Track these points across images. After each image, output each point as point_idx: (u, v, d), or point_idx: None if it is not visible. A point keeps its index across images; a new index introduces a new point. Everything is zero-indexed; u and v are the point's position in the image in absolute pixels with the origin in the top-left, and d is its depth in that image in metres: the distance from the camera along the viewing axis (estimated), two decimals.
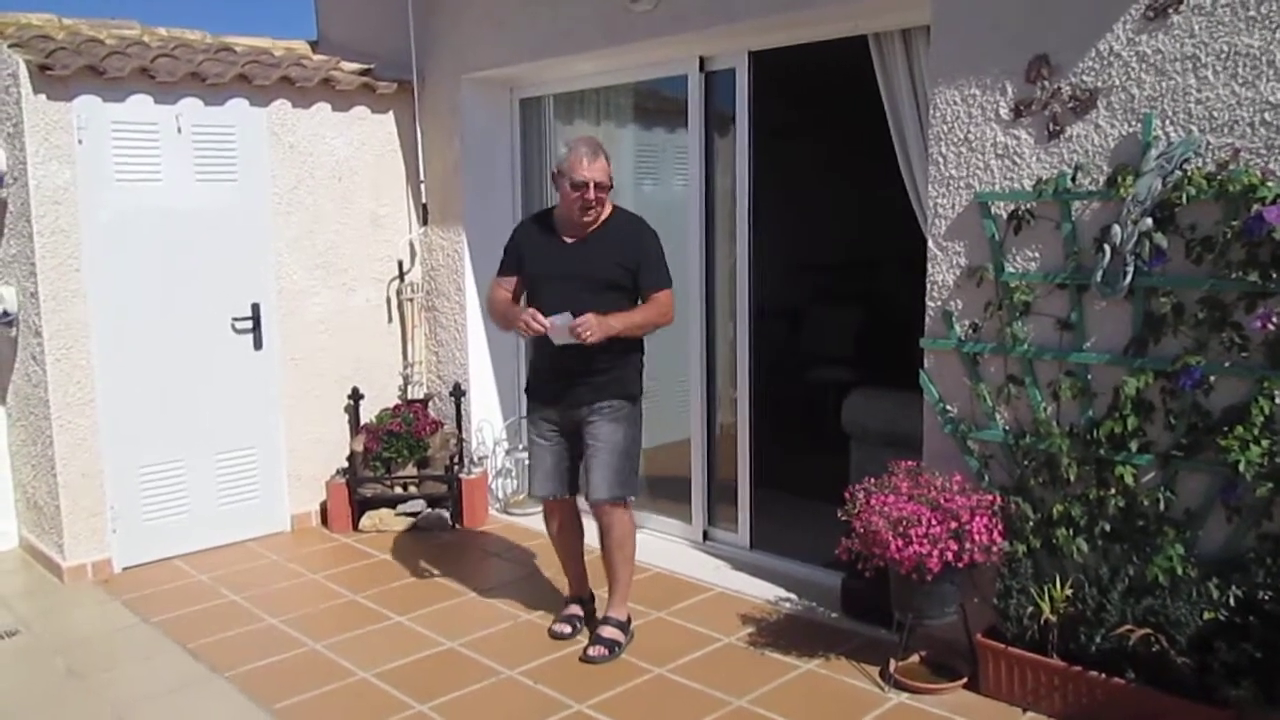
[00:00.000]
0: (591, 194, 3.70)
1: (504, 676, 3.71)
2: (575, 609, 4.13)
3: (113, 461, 4.84)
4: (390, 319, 5.81)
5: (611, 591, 3.98)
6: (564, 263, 3.81)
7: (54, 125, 4.56)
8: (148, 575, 4.83)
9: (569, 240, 3.83)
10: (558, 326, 3.61)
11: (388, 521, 5.41)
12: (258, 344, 5.25)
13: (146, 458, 4.96)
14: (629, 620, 3.98)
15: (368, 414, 5.58)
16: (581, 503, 4.02)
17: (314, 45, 6.00)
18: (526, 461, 5.65)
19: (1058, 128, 3.32)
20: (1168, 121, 3.09)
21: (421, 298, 5.84)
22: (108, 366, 4.80)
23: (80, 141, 4.63)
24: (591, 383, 3.78)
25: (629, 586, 4.00)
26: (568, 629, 4.03)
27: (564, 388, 3.81)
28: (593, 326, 3.57)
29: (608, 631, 3.88)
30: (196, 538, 5.12)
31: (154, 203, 4.85)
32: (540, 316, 3.68)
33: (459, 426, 5.65)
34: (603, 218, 3.83)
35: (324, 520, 5.52)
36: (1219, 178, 2.97)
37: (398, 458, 5.43)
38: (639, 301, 3.82)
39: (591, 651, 3.81)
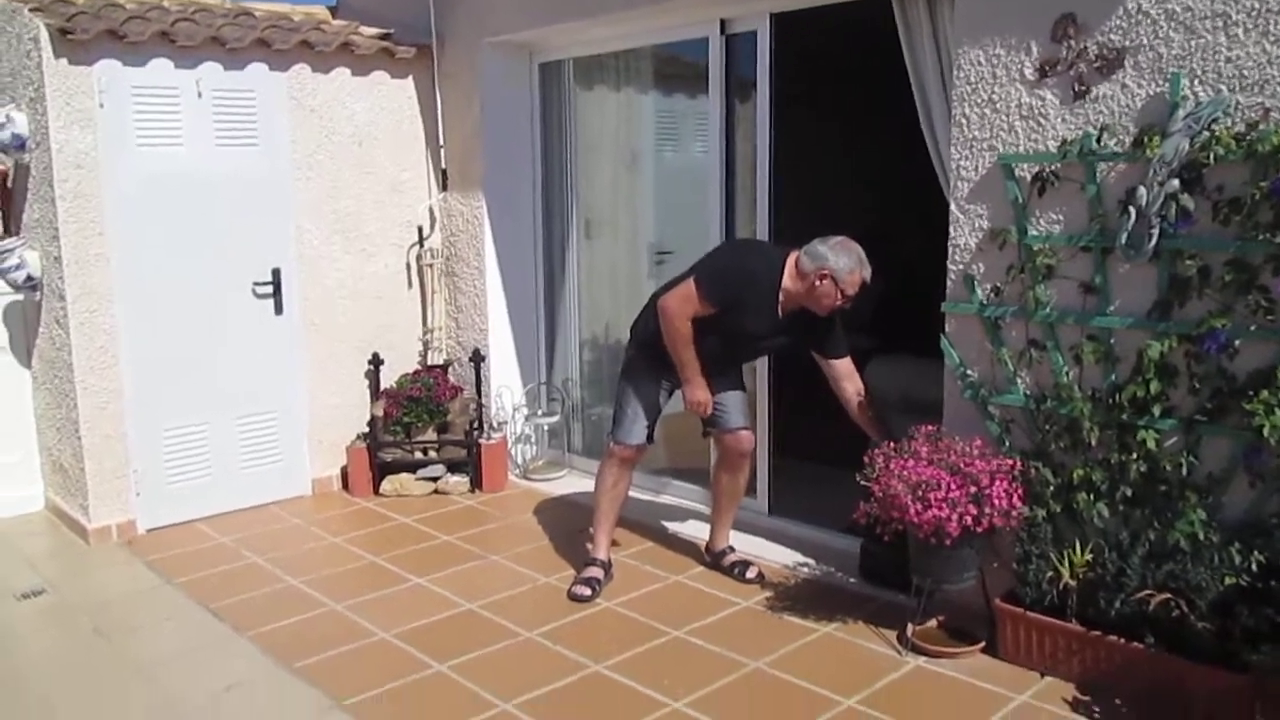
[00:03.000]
0: (850, 297, 3.80)
1: (523, 638, 3.73)
2: (596, 571, 4.15)
3: (136, 424, 4.89)
4: (410, 284, 5.82)
5: (727, 524, 4.37)
6: (770, 330, 3.97)
7: (75, 89, 4.57)
8: (171, 537, 4.88)
9: (782, 313, 3.90)
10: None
11: (408, 486, 5.45)
12: (279, 309, 5.27)
13: (169, 421, 5.00)
14: None
15: (388, 379, 5.60)
16: None
17: (333, 10, 5.99)
18: (549, 423, 5.74)
19: (1083, 88, 3.27)
20: (1196, 81, 3.04)
21: (441, 263, 5.84)
22: (130, 330, 4.83)
23: (101, 105, 4.64)
24: (735, 372, 4.28)
25: None
26: (587, 591, 4.05)
27: (710, 375, 4.01)
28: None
29: (743, 554, 4.32)
30: (219, 500, 5.17)
31: (175, 167, 4.87)
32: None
33: (479, 392, 5.67)
34: None
35: (345, 484, 5.56)
36: (1248, 138, 2.92)
37: (418, 423, 5.46)
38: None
39: (750, 575, 4.19)
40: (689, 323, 3.89)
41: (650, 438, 4.21)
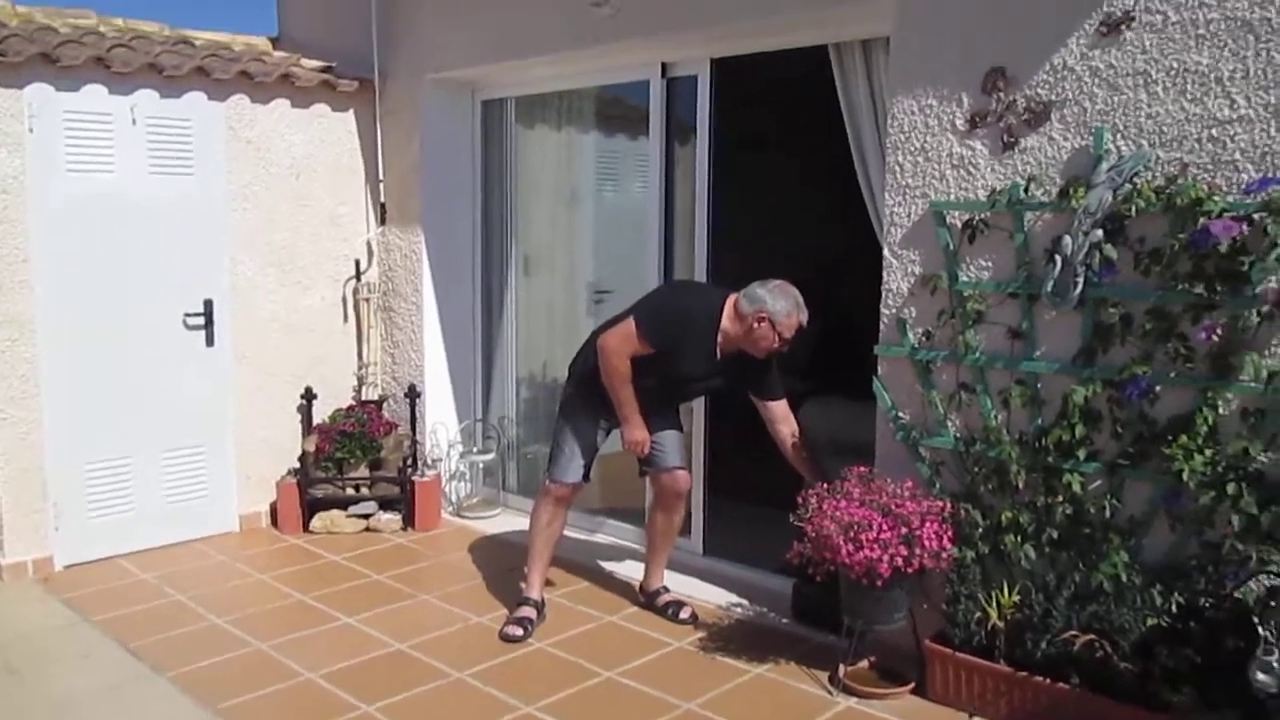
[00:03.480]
0: (788, 338, 3.82)
1: (453, 678, 3.67)
2: (528, 611, 4.11)
3: (57, 457, 4.75)
4: (346, 319, 5.76)
5: (662, 564, 4.37)
6: (707, 372, 3.99)
7: (4, 113, 4.47)
8: (90, 574, 4.73)
9: (720, 355, 3.92)
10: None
11: (339, 523, 5.35)
12: (209, 340, 5.18)
13: (92, 454, 4.87)
14: None
15: (320, 414, 5.52)
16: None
17: (275, 41, 5.95)
18: (484, 461, 5.69)
19: (1012, 139, 3.37)
20: (1119, 135, 3.15)
21: (378, 298, 5.80)
22: (54, 360, 4.70)
23: (31, 130, 4.55)
24: (672, 412, 4.30)
25: None
26: (519, 631, 4.00)
27: (647, 414, 4.05)
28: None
29: (677, 594, 4.31)
30: (142, 536, 5.03)
31: (106, 193, 4.78)
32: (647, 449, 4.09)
33: (413, 429, 5.61)
34: None
35: (274, 521, 5.45)
36: (1167, 191, 3.02)
37: (350, 458, 5.38)
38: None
39: (683, 615, 4.17)
40: (628, 361, 3.90)
41: (586, 476, 4.20)
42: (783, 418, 4.06)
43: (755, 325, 3.79)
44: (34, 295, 4.62)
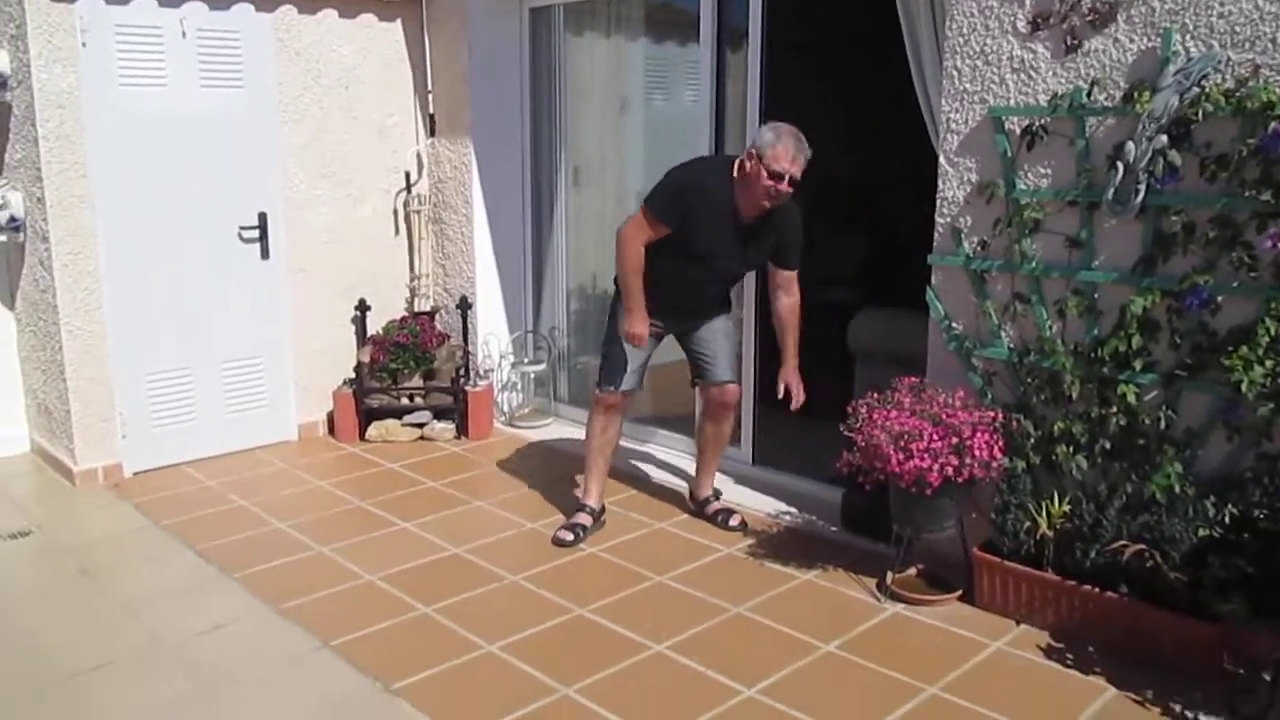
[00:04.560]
0: (785, 186, 3.68)
1: (508, 581, 3.78)
2: (583, 518, 4.18)
3: (121, 368, 4.88)
4: (397, 231, 5.80)
5: (711, 471, 4.40)
6: (735, 243, 3.89)
7: (57, 27, 4.50)
8: (157, 480, 4.90)
9: (745, 220, 3.83)
10: None
11: (394, 432, 5.46)
12: (264, 253, 5.25)
13: (154, 365, 4.99)
14: None
15: (374, 325, 5.60)
16: None
17: None
18: (535, 371, 5.75)
19: (1075, 41, 3.26)
20: (1188, 36, 3.04)
21: (429, 210, 5.82)
22: (115, 273, 4.80)
23: (84, 44, 4.57)
24: (713, 311, 4.19)
25: None
26: (570, 536, 4.09)
27: (686, 313, 4.12)
28: (799, 387, 4.08)
29: (727, 502, 4.37)
30: (205, 444, 5.18)
31: (159, 108, 4.81)
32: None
33: (465, 339, 5.68)
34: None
35: (331, 430, 5.58)
36: (1238, 94, 2.92)
37: (404, 369, 5.47)
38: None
39: (733, 522, 4.22)
40: (640, 249, 3.86)
41: (639, 384, 4.22)
42: (785, 284, 4.04)
43: (748, 165, 3.70)
44: (93, 210, 4.70)
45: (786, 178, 3.66)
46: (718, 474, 4.48)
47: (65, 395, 4.76)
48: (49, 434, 5.07)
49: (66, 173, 4.60)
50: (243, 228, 5.16)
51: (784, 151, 3.64)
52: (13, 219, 4.78)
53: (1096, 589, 3.19)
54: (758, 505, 4.46)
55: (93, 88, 4.62)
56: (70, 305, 4.69)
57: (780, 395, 4.06)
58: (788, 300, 4.05)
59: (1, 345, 5.22)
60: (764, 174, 3.65)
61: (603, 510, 4.27)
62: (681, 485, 4.69)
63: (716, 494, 4.42)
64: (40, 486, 4.90)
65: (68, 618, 3.57)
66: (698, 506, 4.39)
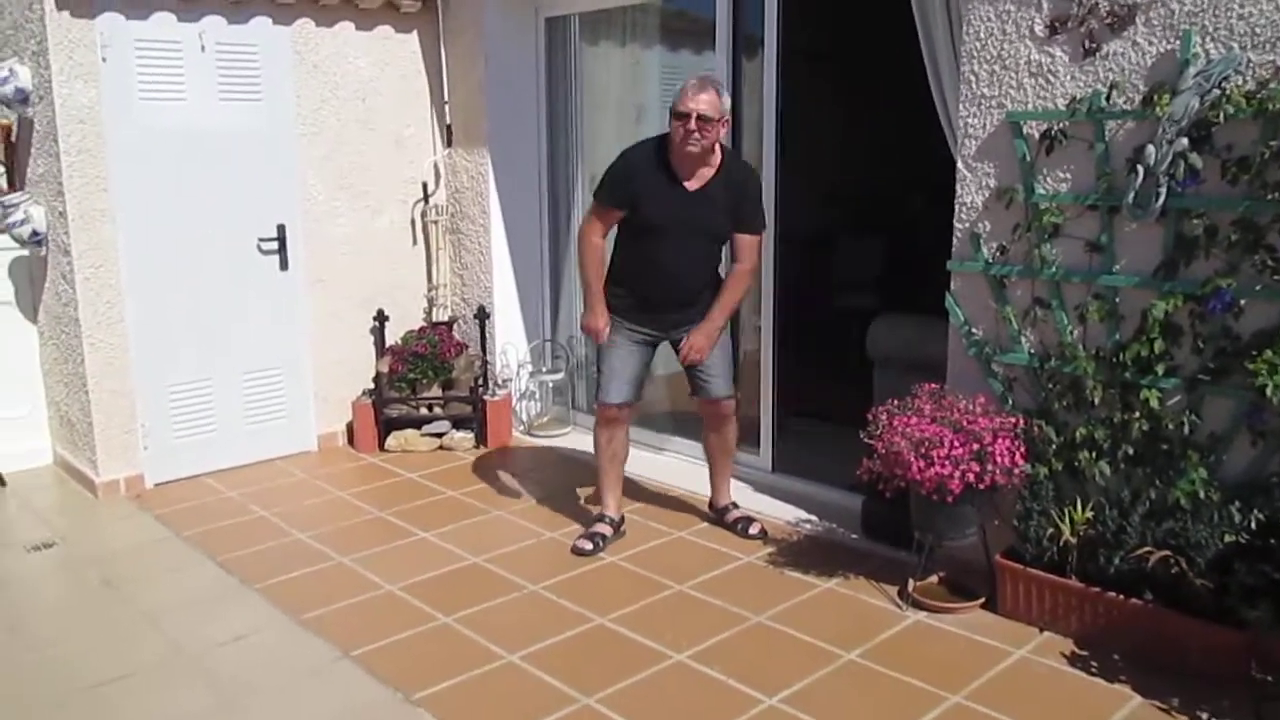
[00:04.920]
0: (693, 124, 3.69)
1: (528, 591, 3.77)
2: (603, 527, 4.17)
3: (142, 379, 4.91)
4: (415, 241, 5.82)
5: (725, 481, 4.37)
6: (686, 211, 3.86)
7: (78, 43, 4.54)
8: (178, 491, 4.93)
9: (690, 187, 3.84)
10: None
11: (413, 442, 5.48)
12: (283, 265, 5.28)
13: (175, 376, 5.02)
14: None
15: (393, 336, 5.62)
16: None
17: None
18: (553, 380, 5.75)
19: (1094, 45, 3.25)
20: (1208, 38, 3.02)
21: (446, 220, 5.84)
22: (136, 286, 4.84)
23: (104, 60, 4.61)
24: (688, 312, 4.04)
25: None
26: (589, 545, 4.09)
27: (668, 311, 4.03)
28: (703, 355, 4.03)
29: (746, 511, 4.32)
30: (225, 456, 5.21)
31: (178, 122, 4.85)
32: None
33: (483, 349, 5.69)
34: (717, 162, 3.84)
35: (350, 440, 5.60)
36: (1259, 96, 2.90)
37: (423, 379, 5.48)
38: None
39: (752, 530, 4.21)
40: (597, 241, 3.97)
41: (636, 395, 4.16)
42: (740, 250, 3.99)
43: (669, 126, 3.77)
44: (114, 223, 4.73)
45: (692, 116, 3.68)
46: (736, 481, 4.47)
47: (87, 407, 4.80)
48: (71, 446, 5.10)
49: (88, 187, 4.64)
50: (261, 240, 5.19)
51: (684, 93, 3.71)
52: (35, 233, 4.82)
53: (1121, 596, 3.17)
54: (777, 513, 4.44)
55: (113, 102, 4.66)
56: (92, 318, 4.73)
57: (679, 351, 4.07)
58: (738, 266, 4.01)
59: (24, 358, 5.26)
60: (673, 120, 3.73)
61: (622, 520, 4.26)
62: (700, 492, 4.68)
63: (735, 503, 4.40)
64: (63, 498, 4.93)
65: (90, 628, 3.59)
66: (717, 514, 4.38)
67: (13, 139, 5.04)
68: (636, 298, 4.02)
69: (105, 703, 3.10)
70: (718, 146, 3.85)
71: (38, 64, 4.61)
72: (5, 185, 5.14)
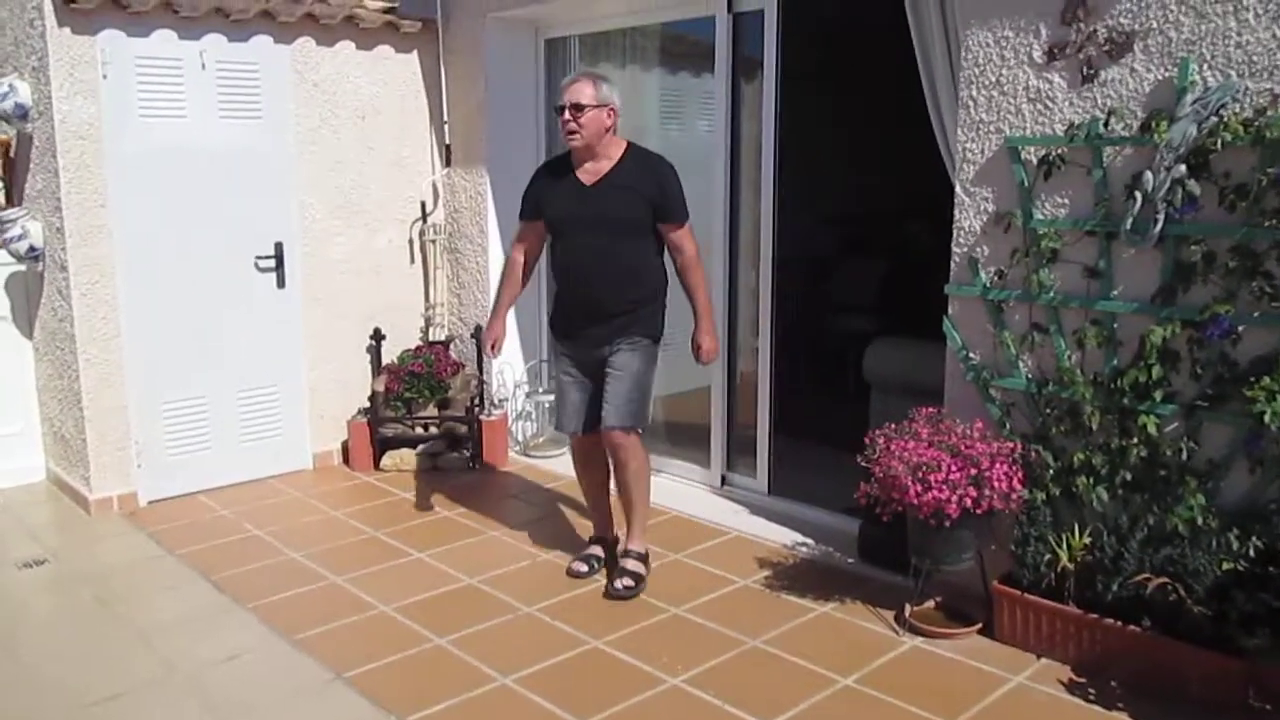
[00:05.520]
0: (567, 115, 3.72)
1: (522, 613, 3.75)
2: (596, 549, 4.16)
3: (137, 396, 4.89)
4: (412, 260, 5.82)
5: (630, 524, 4.02)
6: (584, 205, 3.82)
7: (78, 60, 4.55)
8: (172, 509, 4.90)
9: (587, 182, 3.82)
10: None
11: (408, 461, 5.46)
12: (280, 283, 5.27)
13: (170, 393, 5.00)
14: (648, 554, 4.03)
15: (389, 355, 5.61)
16: None
17: None
18: (549, 401, 5.74)
19: (1092, 71, 3.26)
20: (1205, 66, 3.03)
21: (444, 239, 5.84)
22: (132, 302, 4.83)
23: (105, 76, 4.62)
24: (615, 323, 3.84)
25: (646, 520, 4.06)
26: (584, 568, 4.06)
27: (587, 325, 3.88)
28: (714, 354, 3.97)
29: (631, 564, 3.94)
30: (220, 473, 5.18)
31: (178, 139, 4.85)
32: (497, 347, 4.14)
33: (480, 369, 5.68)
34: (617, 155, 3.82)
35: (345, 459, 5.58)
36: (1256, 124, 2.91)
37: (419, 398, 5.47)
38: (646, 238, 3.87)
39: (617, 584, 3.86)
40: (516, 257, 4.10)
41: (578, 426, 3.98)
42: (674, 243, 3.86)
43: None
44: (112, 240, 4.73)
45: (566, 107, 3.73)
46: (731, 503, 4.42)
47: (82, 424, 4.78)
48: (65, 463, 5.08)
49: (86, 203, 4.64)
50: (259, 257, 5.19)
51: (560, 90, 3.80)
52: (32, 248, 4.82)
53: (1119, 622, 3.15)
54: (773, 536, 4.43)
55: (113, 119, 4.66)
56: (88, 334, 4.72)
57: (696, 357, 3.99)
58: (681, 258, 3.86)
59: (19, 374, 5.25)
60: (557, 114, 3.80)
61: (616, 540, 4.22)
62: (696, 514, 4.67)
63: (632, 551, 3.99)
64: (56, 515, 4.90)
65: (83, 646, 3.56)
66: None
67: (11, 154, 5.05)
68: (562, 313, 4.00)
69: None
70: (618, 141, 3.84)
71: (38, 79, 4.61)
72: (3, 200, 5.13)
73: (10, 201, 5.10)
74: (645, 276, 3.87)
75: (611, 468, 4.02)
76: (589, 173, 3.83)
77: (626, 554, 3.99)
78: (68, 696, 3.21)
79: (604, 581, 3.99)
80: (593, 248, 3.82)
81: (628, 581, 3.87)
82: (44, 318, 5.04)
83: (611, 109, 3.79)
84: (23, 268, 5.03)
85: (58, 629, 3.75)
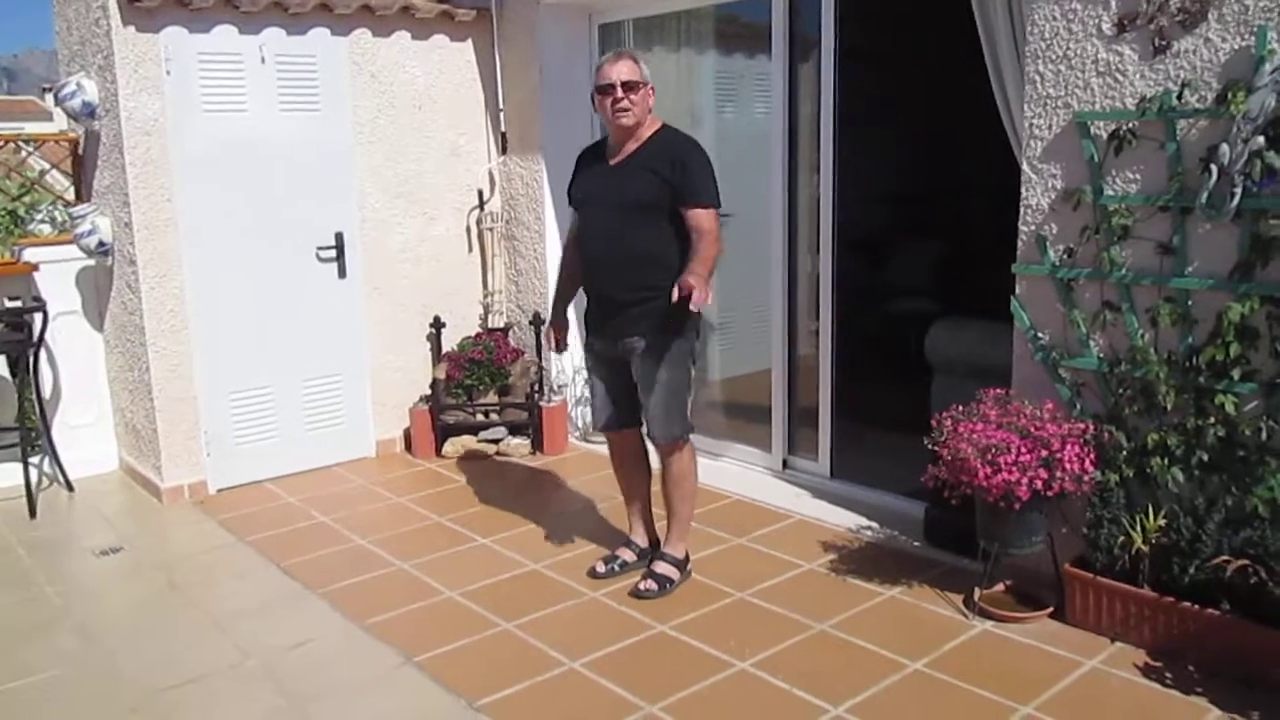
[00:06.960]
0: (620, 93, 3.55)
1: (587, 598, 3.77)
2: (625, 552, 4.01)
3: (205, 387, 4.99)
4: (470, 248, 5.85)
5: (670, 527, 3.90)
6: (602, 185, 3.70)
7: (143, 57, 4.63)
8: (241, 497, 4.99)
9: (613, 162, 3.71)
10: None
11: (470, 447, 5.50)
12: (341, 273, 5.33)
13: (236, 384, 5.09)
14: (687, 558, 3.91)
15: (449, 342, 5.65)
16: None
17: None
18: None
19: (1164, 42, 3.17)
20: None
21: (501, 227, 5.86)
22: (198, 294, 4.91)
23: (168, 73, 4.70)
24: (629, 314, 3.65)
25: (688, 524, 3.91)
26: (603, 569, 3.94)
27: (604, 318, 3.76)
28: (696, 288, 3.28)
29: (661, 567, 3.83)
30: (286, 462, 5.27)
31: (240, 133, 4.92)
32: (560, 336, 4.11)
33: (539, 355, 5.70)
34: (646, 135, 3.66)
35: (408, 446, 5.64)
36: None
37: (479, 385, 5.51)
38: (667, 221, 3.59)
39: (641, 586, 3.76)
40: (574, 245, 3.92)
41: (613, 419, 3.91)
42: (694, 227, 3.53)
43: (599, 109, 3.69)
44: (178, 233, 4.81)
45: (616, 85, 3.55)
46: (794, 487, 4.38)
47: (152, 414, 4.88)
48: (137, 452, 5.19)
49: (153, 198, 4.73)
50: (320, 248, 5.25)
51: (600, 70, 3.63)
52: (101, 243, 4.92)
53: (1197, 606, 3.09)
54: (837, 520, 4.40)
55: (177, 114, 4.74)
56: (156, 326, 4.81)
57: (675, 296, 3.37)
58: (696, 235, 3.51)
59: (91, 366, 5.37)
60: (600, 98, 3.62)
61: (656, 543, 4.02)
62: (760, 499, 4.65)
63: (667, 555, 3.88)
64: (129, 503, 5.02)
65: (158, 632, 3.65)
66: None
67: (80, 152, 5.15)
68: (588, 304, 3.88)
69: (176, 707, 3.14)
70: (654, 121, 3.68)
71: (104, 78, 4.70)
72: (73, 197, 5.24)
73: (80, 198, 5.21)
74: (661, 264, 3.55)
75: (661, 475, 3.90)
76: (617, 154, 3.70)
77: (661, 556, 3.89)
78: (144, 681, 3.29)
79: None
80: (604, 231, 3.67)
81: (650, 584, 3.76)
82: (114, 311, 5.15)
83: (652, 87, 3.68)
84: (92, 262, 5.14)
85: (134, 615, 3.84)
